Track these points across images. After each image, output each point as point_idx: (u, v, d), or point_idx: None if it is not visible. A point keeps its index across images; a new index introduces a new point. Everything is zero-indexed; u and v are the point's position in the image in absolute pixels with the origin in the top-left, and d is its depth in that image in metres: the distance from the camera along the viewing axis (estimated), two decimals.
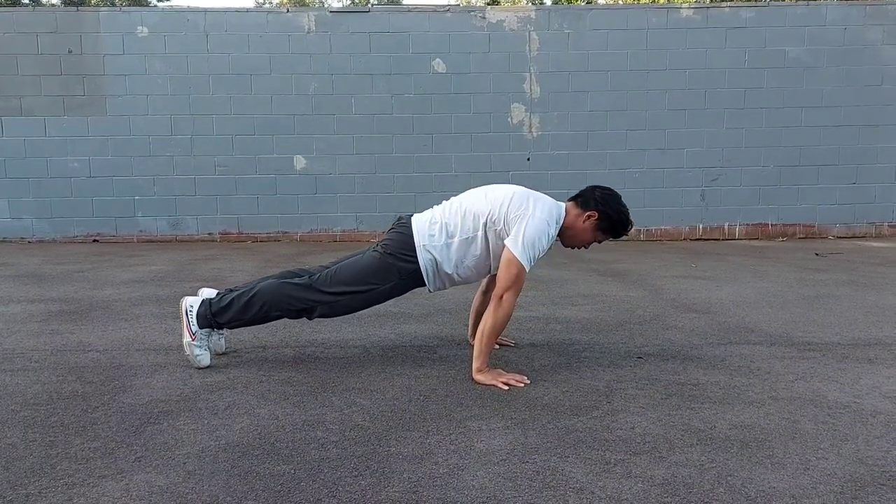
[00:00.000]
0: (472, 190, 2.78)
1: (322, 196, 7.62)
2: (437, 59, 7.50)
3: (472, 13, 7.54)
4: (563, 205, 2.72)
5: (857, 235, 7.76)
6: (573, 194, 2.77)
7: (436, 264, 2.65)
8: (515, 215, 2.57)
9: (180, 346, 3.01)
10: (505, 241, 2.57)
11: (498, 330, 2.55)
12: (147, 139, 7.47)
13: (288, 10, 7.46)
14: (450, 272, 2.67)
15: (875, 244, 7.13)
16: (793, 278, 4.94)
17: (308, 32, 7.45)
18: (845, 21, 7.55)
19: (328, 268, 2.76)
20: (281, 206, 7.62)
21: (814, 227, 7.79)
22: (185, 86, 7.44)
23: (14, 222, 7.51)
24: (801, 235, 7.77)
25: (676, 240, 7.70)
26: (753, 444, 1.95)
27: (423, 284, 2.71)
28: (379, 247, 2.72)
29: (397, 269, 2.65)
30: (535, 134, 7.62)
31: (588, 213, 2.68)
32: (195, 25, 7.38)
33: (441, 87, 7.52)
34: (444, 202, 2.78)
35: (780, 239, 7.70)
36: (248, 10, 7.56)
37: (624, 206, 2.72)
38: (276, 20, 7.45)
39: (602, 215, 2.67)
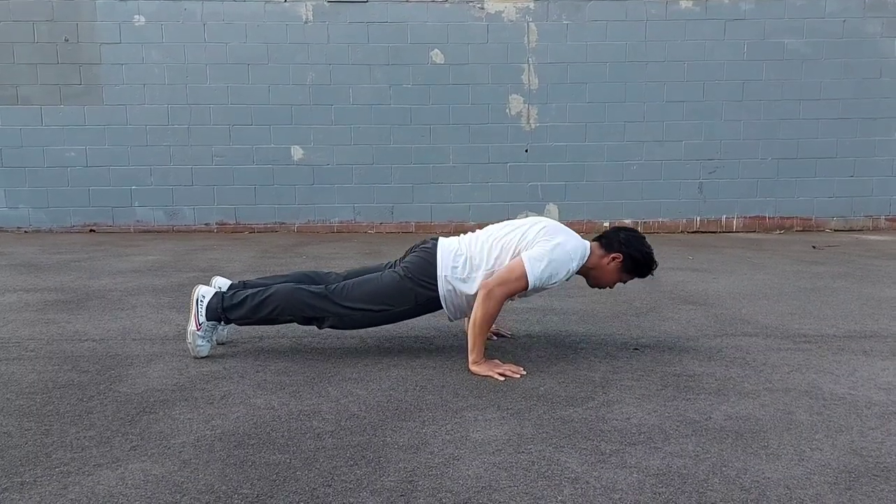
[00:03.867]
0: (500, 223, 2.79)
1: (319, 187, 7.60)
2: (436, 50, 7.47)
3: (470, 3, 7.50)
4: (588, 244, 2.72)
5: (855, 228, 7.76)
6: (597, 235, 2.79)
7: (455, 294, 2.65)
8: (544, 239, 2.58)
9: (176, 336, 3.01)
10: (522, 252, 2.56)
11: (488, 321, 2.54)
12: (144, 129, 7.44)
13: (286, 0, 7.42)
14: (471, 303, 2.64)
15: (872, 237, 7.14)
16: (789, 271, 4.95)
17: (306, 22, 7.41)
18: (844, 13, 7.53)
19: (345, 278, 2.77)
20: (278, 196, 7.60)
21: (811, 219, 7.79)
22: (181, 75, 7.41)
23: (10, 212, 7.48)
24: (799, 228, 7.77)
25: (674, 232, 7.70)
26: (748, 435, 1.96)
27: (439, 308, 2.70)
28: (400, 268, 2.70)
29: (415, 295, 2.65)
30: (533, 125, 7.60)
31: (612, 255, 2.69)
32: (192, 14, 7.34)
33: (439, 77, 7.49)
34: (470, 234, 2.78)
35: (778, 231, 7.70)
36: (245, 0, 7.51)
37: (648, 247, 2.73)
38: (273, 10, 7.41)
39: (626, 257, 2.69)
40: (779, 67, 7.56)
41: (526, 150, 7.60)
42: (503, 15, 7.46)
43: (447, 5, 7.43)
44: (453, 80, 7.49)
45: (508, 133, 7.59)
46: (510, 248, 2.61)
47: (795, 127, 7.64)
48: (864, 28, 7.54)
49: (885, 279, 4.57)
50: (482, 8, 7.44)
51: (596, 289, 2.84)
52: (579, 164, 7.60)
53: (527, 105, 7.57)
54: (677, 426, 2.03)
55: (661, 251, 6.25)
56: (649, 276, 2.81)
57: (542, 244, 2.56)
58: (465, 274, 2.62)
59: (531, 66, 7.52)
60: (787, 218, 7.78)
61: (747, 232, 7.69)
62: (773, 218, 7.77)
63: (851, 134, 7.65)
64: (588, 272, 2.73)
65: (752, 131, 7.64)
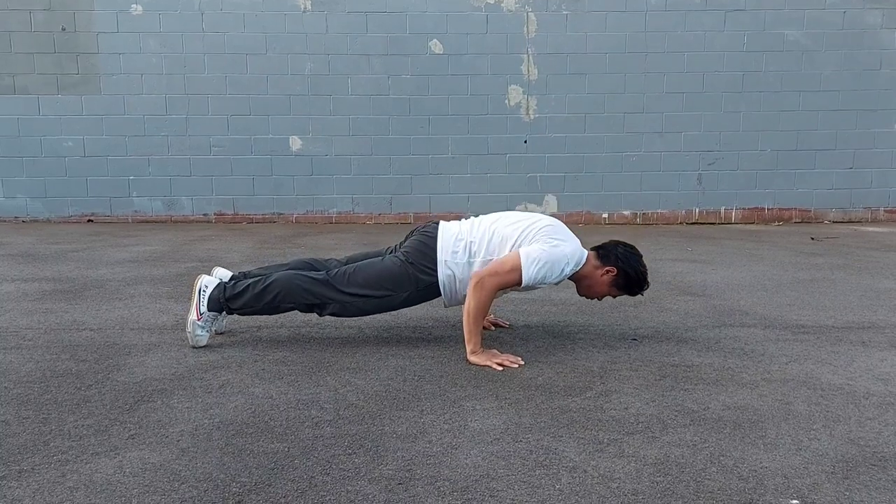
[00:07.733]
0: (505, 213, 2.78)
1: (318, 177, 7.58)
2: (435, 40, 7.44)
3: None
4: (586, 252, 2.71)
5: (853, 220, 7.76)
6: (596, 244, 2.77)
7: (454, 281, 2.64)
8: (545, 238, 2.57)
9: (174, 326, 3.01)
10: (521, 248, 2.55)
11: (481, 310, 2.53)
12: (142, 118, 7.41)
13: None
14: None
15: (871, 229, 7.14)
16: (788, 262, 4.95)
17: (304, 12, 7.38)
18: (845, 4, 7.50)
19: (345, 264, 2.76)
20: (276, 187, 7.58)
21: (810, 211, 7.78)
22: (179, 65, 7.37)
23: (8, 201, 7.46)
24: (798, 220, 7.77)
25: (673, 223, 7.69)
26: (746, 425, 1.96)
27: (439, 295, 2.70)
28: (401, 253, 2.69)
29: (415, 280, 2.64)
30: (532, 116, 7.58)
31: (607, 267, 2.68)
32: (190, 4, 7.30)
33: (438, 68, 7.46)
34: (472, 218, 2.77)
35: (776, 223, 7.70)
36: None
37: (643, 266, 2.72)
38: None
39: (620, 272, 2.68)
40: (779, 59, 7.54)
41: (525, 142, 7.58)
42: (502, 5, 7.42)
43: None
44: (452, 71, 7.47)
45: (507, 124, 7.57)
46: (509, 240, 2.61)
47: (795, 118, 7.62)
48: (865, 19, 7.52)
49: (884, 271, 4.58)
50: None
51: (583, 298, 2.82)
52: (578, 156, 7.58)
53: (526, 96, 7.55)
54: (675, 416, 2.03)
55: (659, 242, 6.25)
56: (639, 296, 2.80)
57: (541, 243, 2.55)
58: (465, 259, 2.62)
59: (530, 56, 7.50)
60: (786, 209, 7.77)
61: (746, 223, 7.69)
62: (772, 209, 7.77)
63: (851, 126, 7.64)
64: (580, 280, 2.72)
65: (751, 123, 7.63)
